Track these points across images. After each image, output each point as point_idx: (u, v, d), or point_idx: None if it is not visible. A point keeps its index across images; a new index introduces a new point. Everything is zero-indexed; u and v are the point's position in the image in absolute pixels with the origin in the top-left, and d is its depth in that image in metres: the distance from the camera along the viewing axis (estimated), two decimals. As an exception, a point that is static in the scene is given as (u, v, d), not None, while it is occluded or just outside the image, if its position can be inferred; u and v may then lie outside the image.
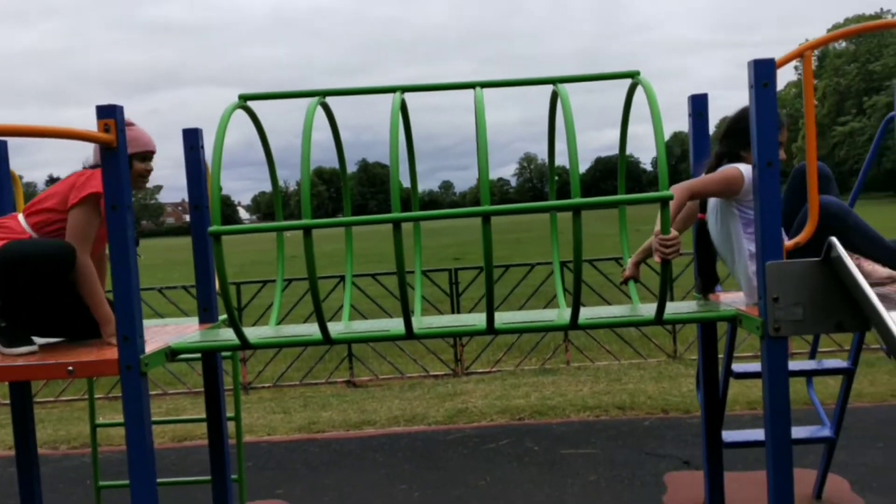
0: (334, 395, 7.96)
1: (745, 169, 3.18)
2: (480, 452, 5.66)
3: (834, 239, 2.68)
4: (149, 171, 3.44)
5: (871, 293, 2.51)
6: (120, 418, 3.11)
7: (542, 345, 8.91)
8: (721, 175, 3.22)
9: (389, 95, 3.14)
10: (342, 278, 8.17)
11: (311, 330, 3.23)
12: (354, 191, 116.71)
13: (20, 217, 3.30)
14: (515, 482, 4.99)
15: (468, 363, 8.61)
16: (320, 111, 3.19)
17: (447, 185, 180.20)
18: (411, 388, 7.99)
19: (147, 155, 3.41)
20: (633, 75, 3.16)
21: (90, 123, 2.76)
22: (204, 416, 3.83)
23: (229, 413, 3.96)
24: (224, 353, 4.00)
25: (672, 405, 6.53)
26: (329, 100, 3.26)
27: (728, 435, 3.92)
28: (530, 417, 6.50)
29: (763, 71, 2.69)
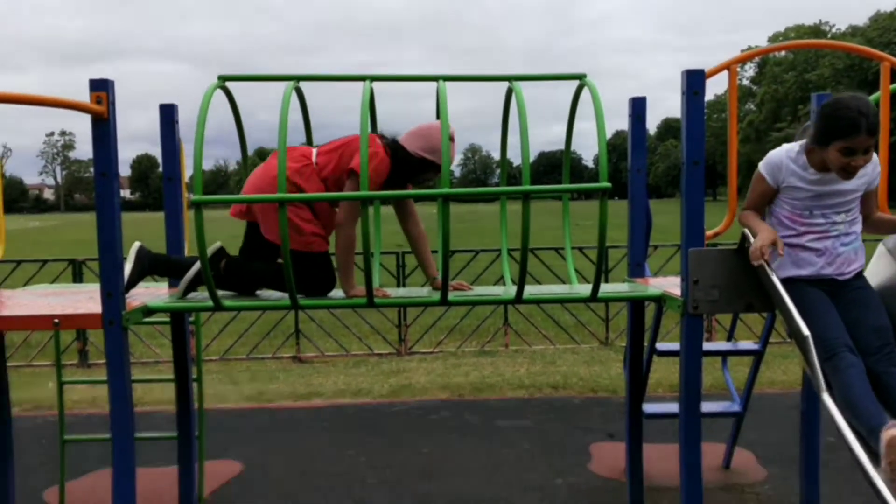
0: (281, 369, 8.20)
1: (763, 163, 3.17)
2: (422, 423, 6.00)
3: (747, 231, 3.08)
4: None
5: (776, 279, 2.92)
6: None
7: (482, 329, 9.29)
8: (752, 183, 3.23)
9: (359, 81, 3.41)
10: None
11: (279, 296, 3.51)
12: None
13: (314, 152, 3.59)
14: (455, 449, 5.35)
15: (411, 343, 8.94)
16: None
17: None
18: (356, 365, 8.28)
19: (438, 170, 3.48)
20: (580, 77, 3.50)
21: (26, 90, 2.96)
22: (164, 378, 4.06)
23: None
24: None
25: (601, 386, 6.98)
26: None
27: (648, 407, 4.34)
28: (470, 394, 6.86)
29: (694, 80, 3.07)
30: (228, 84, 3.45)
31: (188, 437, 4.01)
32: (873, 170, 3.13)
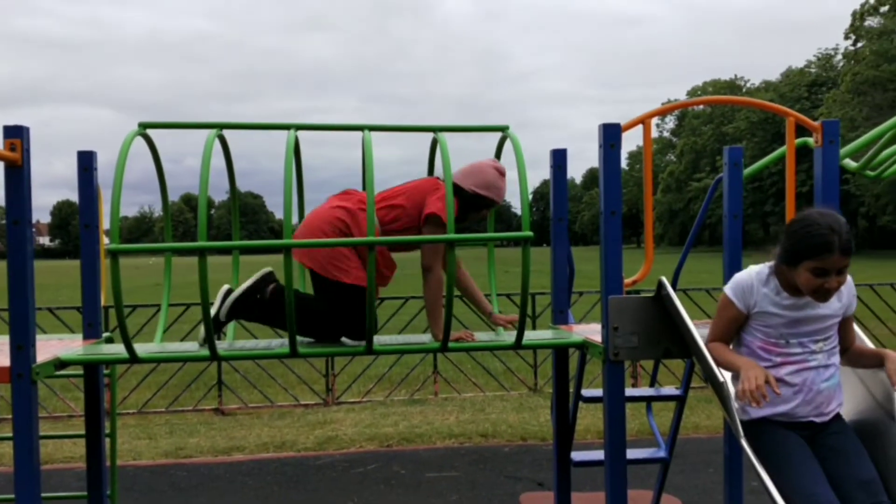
0: (202, 422, 7.95)
1: (731, 287, 2.87)
2: (349, 476, 5.88)
3: (663, 279, 3.15)
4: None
5: (691, 326, 2.98)
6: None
7: (411, 377, 9.22)
8: (718, 311, 2.93)
9: (283, 130, 3.40)
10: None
11: (195, 346, 3.42)
12: (224, 219, 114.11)
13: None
14: (383, 502, 5.25)
15: (339, 393, 8.80)
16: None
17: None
18: (281, 416, 8.10)
19: (494, 205, 3.70)
20: (503, 129, 3.58)
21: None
22: (74, 433, 3.89)
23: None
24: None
25: (531, 434, 6.98)
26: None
27: (577, 455, 4.34)
28: (398, 444, 6.78)
29: (611, 133, 3.16)
30: (151, 131, 3.40)
31: (99, 497, 3.82)
32: (849, 293, 2.84)
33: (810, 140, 3.47)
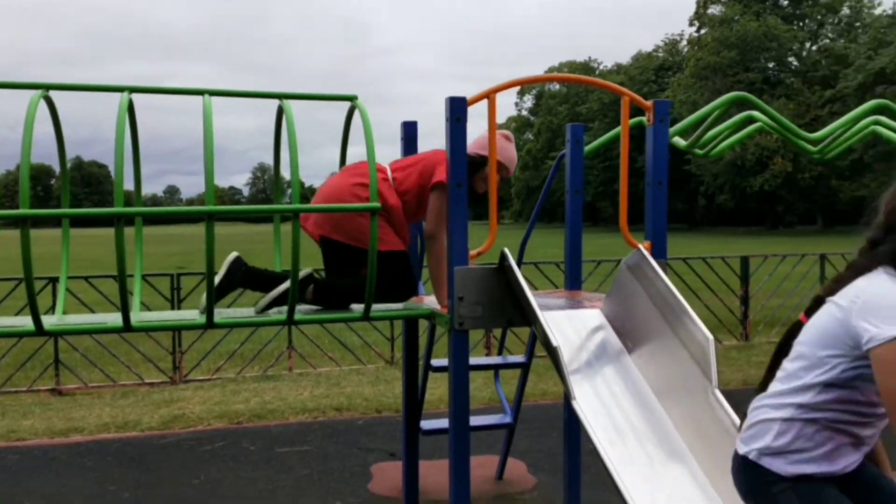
0: (37, 403, 7.49)
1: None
2: (195, 454, 5.72)
3: (506, 250, 3.23)
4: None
5: (531, 296, 3.08)
6: None
7: (264, 353, 9.05)
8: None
9: (117, 92, 3.22)
10: (51, 280, 7.74)
11: (23, 322, 3.20)
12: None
13: (388, 170, 3.74)
14: (230, 479, 5.14)
15: (187, 371, 8.52)
16: (42, 105, 3.19)
17: (173, 190, 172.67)
18: (124, 395, 7.75)
19: (504, 171, 3.84)
20: (351, 98, 3.54)
21: None
22: None
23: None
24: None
25: (385, 406, 7.03)
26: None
27: (425, 423, 4.42)
28: (248, 421, 6.65)
29: (457, 107, 3.20)
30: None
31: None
32: None
33: (644, 119, 3.65)
